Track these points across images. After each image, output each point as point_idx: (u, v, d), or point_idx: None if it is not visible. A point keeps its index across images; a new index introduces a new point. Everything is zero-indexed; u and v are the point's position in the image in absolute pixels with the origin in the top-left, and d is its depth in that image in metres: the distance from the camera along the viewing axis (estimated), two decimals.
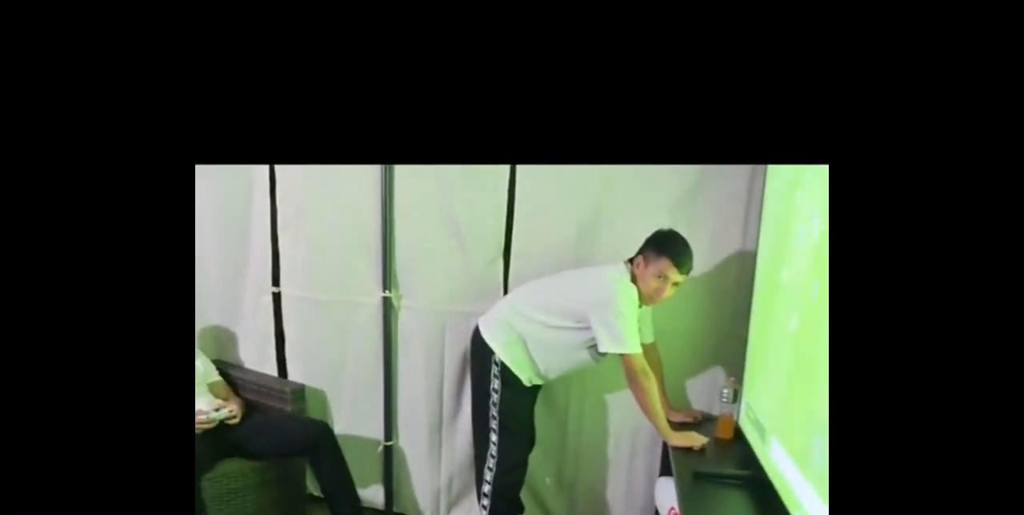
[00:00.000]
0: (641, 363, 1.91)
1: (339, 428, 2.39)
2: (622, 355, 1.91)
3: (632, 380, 1.93)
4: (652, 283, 1.91)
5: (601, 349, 1.93)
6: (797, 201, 1.62)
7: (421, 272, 2.34)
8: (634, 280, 1.94)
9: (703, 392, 2.25)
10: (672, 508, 1.99)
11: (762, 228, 2.02)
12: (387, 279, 2.35)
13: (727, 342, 2.17)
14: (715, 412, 2.15)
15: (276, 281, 2.49)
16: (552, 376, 2.09)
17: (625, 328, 1.88)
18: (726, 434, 2.04)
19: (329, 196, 2.35)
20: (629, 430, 2.29)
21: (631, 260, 1.98)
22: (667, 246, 1.91)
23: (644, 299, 1.93)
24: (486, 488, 2.10)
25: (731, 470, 1.83)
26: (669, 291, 1.93)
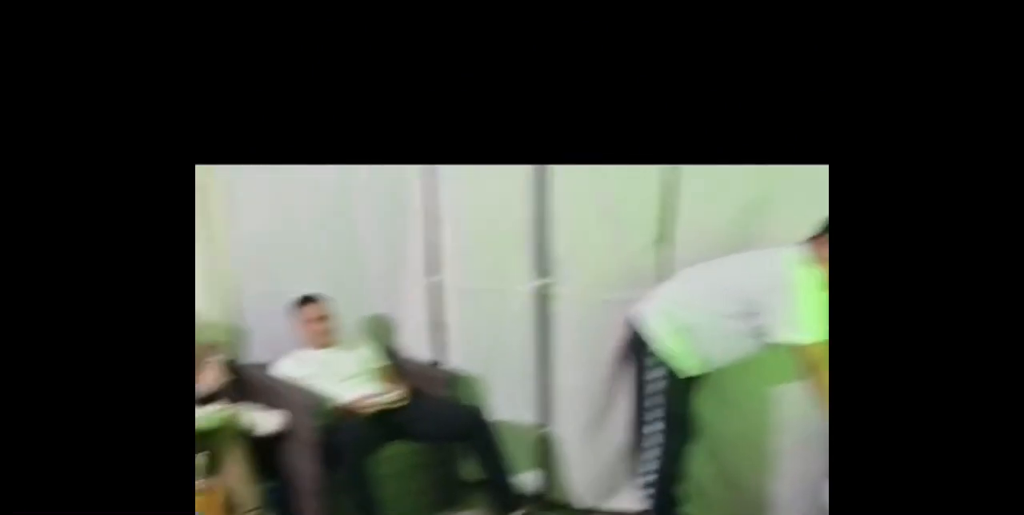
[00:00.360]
0: (822, 353, 1.77)
1: (496, 414, 2.43)
2: (797, 345, 1.79)
3: (810, 370, 1.80)
4: None
5: (777, 337, 1.82)
6: None
7: (577, 259, 2.33)
8: (817, 262, 1.79)
9: None
10: None
11: None
12: (542, 267, 2.36)
13: None
14: None
15: (436, 270, 2.56)
16: (716, 365, 2.02)
17: (804, 314, 1.76)
18: None
19: (487, 188, 2.38)
20: (798, 424, 2.17)
21: (813, 240, 1.84)
22: None
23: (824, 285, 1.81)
24: (647, 479, 2.06)
25: None
26: None
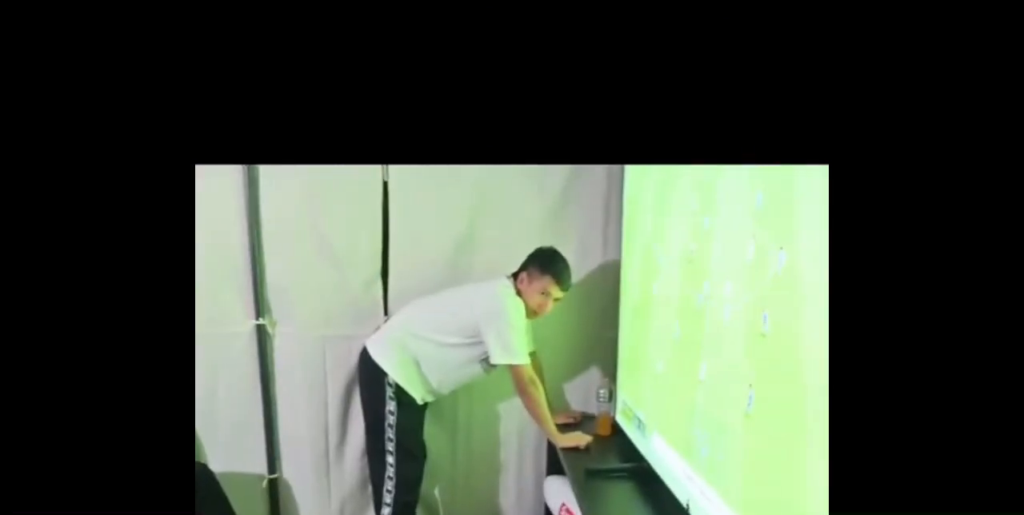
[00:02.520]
0: (530, 372, 2.04)
1: (217, 466, 2.27)
2: (512, 366, 2.02)
3: (522, 389, 2.05)
4: (536, 299, 2.05)
5: (493, 361, 2.02)
6: (661, 228, 1.83)
7: (295, 297, 2.30)
8: (519, 294, 2.05)
9: (579, 393, 2.43)
10: (563, 504, 2.13)
11: (624, 242, 2.23)
12: (259, 306, 2.29)
13: (598, 345, 2.36)
14: (592, 411, 2.33)
15: None
16: (444, 392, 2.16)
17: (517, 340, 1.99)
18: (605, 431, 2.22)
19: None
20: (515, 435, 2.42)
21: (515, 275, 2.09)
22: (549, 265, 2.05)
23: (528, 313, 2.06)
24: (385, 510, 2.12)
25: (617, 464, 2.01)
26: (551, 306, 2.07)
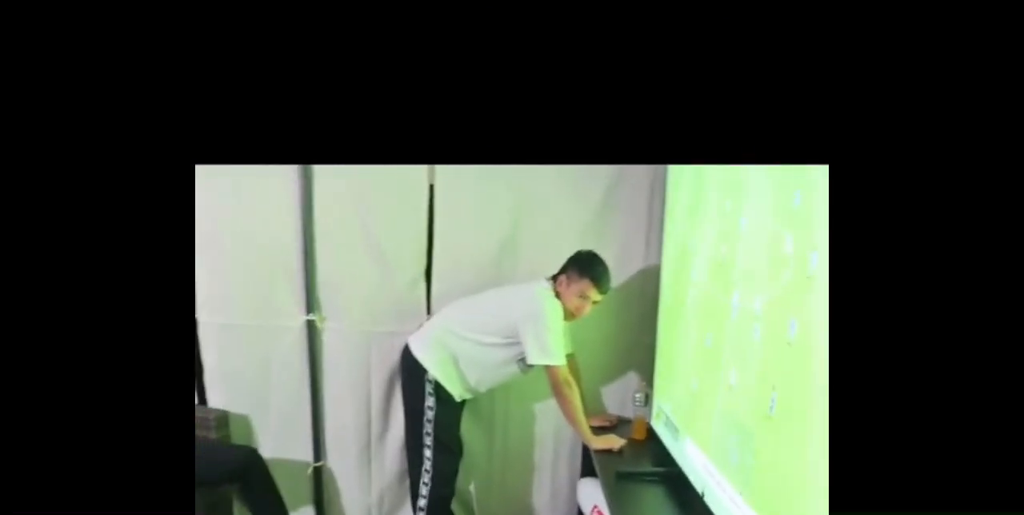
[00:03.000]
0: (565, 374, 2.07)
1: (266, 453, 2.39)
2: (548, 367, 2.06)
3: (557, 390, 2.08)
4: (574, 301, 2.08)
5: (530, 361, 2.07)
6: (698, 227, 1.84)
7: (344, 294, 2.39)
8: (558, 297, 2.09)
9: (616, 397, 2.45)
10: (595, 506, 2.16)
11: (664, 247, 2.25)
12: (310, 302, 2.39)
13: (636, 350, 2.38)
14: (628, 414, 2.35)
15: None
16: (482, 390, 2.22)
17: (553, 341, 2.03)
18: (640, 435, 2.24)
19: (247, 219, 2.35)
20: (551, 435, 2.45)
21: (554, 278, 2.13)
22: (588, 268, 2.08)
23: (566, 315, 2.10)
24: (422, 502, 2.19)
25: (649, 468, 2.02)
26: (588, 309, 2.10)
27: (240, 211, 2.33)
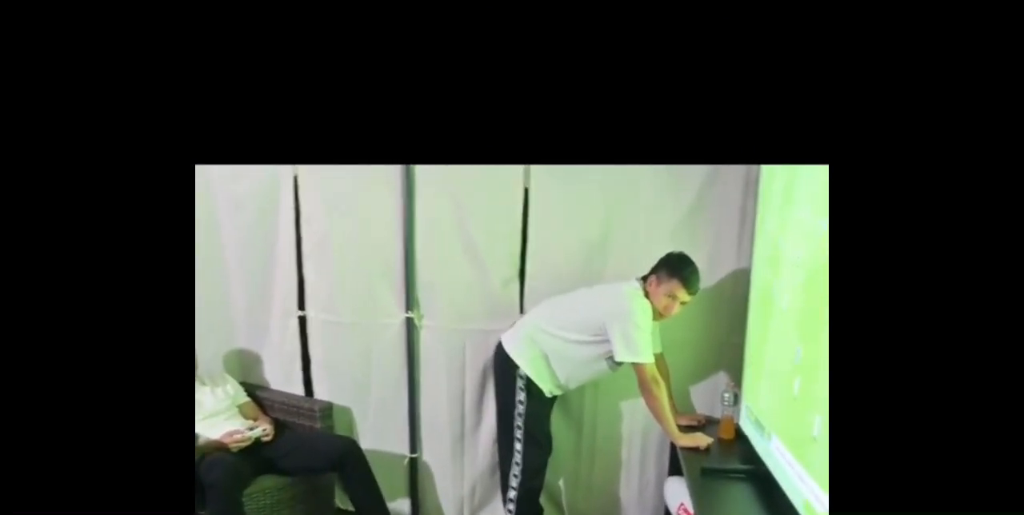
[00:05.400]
0: (653, 372, 2.11)
1: (365, 443, 2.53)
2: (636, 364, 2.10)
3: (644, 388, 2.12)
4: (663, 301, 2.12)
5: (618, 359, 2.12)
6: (789, 222, 1.85)
7: (441, 294, 2.51)
8: (647, 296, 2.14)
9: (705, 397, 2.46)
10: (681, 504, 2.18)
11: (755, 248, 2.26)
12: (409, 300, 2.52)
13: (725, 350, 2.39)
14: (717, 415, 2.36)
15: (301, 305, 2.63)
16: (572, 386, 2.28)
17: (641, 339, 2.08)
18: (728, 435, 2.24)
19: (352, 222, 2.50)
20: (639, 433, 2.48)
21: (644, 278, 2.18)
22: (678, 269, 2.12)
23: (655, 315, 2.14)
24: (511, 494, 2.27)
25: (735, 465, 2.03)
26: (677, 309, 2.14)
27: (346, 215, 2.49)
